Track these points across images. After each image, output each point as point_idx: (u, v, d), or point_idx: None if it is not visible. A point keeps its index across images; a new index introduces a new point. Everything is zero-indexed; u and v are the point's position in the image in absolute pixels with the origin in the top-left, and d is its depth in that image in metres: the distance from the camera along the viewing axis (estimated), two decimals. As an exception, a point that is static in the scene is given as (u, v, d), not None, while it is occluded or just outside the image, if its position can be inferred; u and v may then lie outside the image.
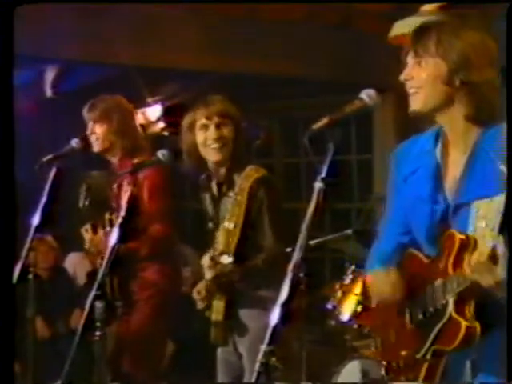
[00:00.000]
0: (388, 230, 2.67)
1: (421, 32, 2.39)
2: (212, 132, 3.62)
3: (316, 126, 2.15)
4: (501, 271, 2.11)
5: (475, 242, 2.26)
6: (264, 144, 6.18)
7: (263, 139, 6.23)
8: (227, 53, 5.87)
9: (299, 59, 6.10)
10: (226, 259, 3.53)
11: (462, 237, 2.29)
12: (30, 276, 3.54)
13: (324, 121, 2.15)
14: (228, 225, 3.56)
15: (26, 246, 3.40)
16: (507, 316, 2.18)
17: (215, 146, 3.61)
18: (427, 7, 3.27)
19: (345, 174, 6.59)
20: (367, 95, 2.22)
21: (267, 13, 5.85)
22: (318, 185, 2.09)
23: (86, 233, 4.18)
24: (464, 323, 2.24)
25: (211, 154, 3.64)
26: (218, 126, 3.63)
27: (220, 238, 3.61)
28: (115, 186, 4.29)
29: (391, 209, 2.65)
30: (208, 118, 3.64)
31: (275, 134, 7.60)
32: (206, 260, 3.64)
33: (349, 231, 4.87)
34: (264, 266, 3.56)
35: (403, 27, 2.78)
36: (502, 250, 2.12)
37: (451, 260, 2.30)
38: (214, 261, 3.55)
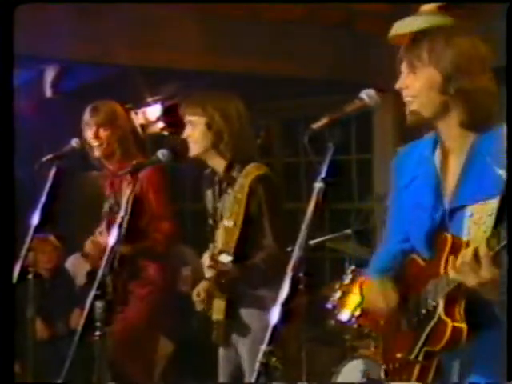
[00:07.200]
0: (390, 238, 2.67)
1: (414, 41, 2.39)
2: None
3: (316, 125, 2.14)
4: (485, 272, 2.12)
5: (467, 244, 2.25)
6: (264, 144, 6.18)
7: (263, 139, 6.23)
8: (227, 53, 5.86)
9: (299, 59, 6.10)
10: (226, 258, 3.52)
11: (454, 239, 2.29)
12: (30, 276, 3.54)
13: (324, 120, 2.14)
14: (227, 223, 3.56)
15: (26, 245, 3.40)
16: (507, 316, 2.17)
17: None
18: (427, 7, 3.27)
19: (345, 174, 6.58)
20: (367, 95, 2.22)
21: (267, 13, 5.85)
22: (317, 185, 2.08)
23: (100, 235, 4.23)
24: (451, 323, 2.24)
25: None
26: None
27: (219, 236, 3.61)
28: (107, 184, 4.36)
29: (392, 217, 2.65)
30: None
31: (275, 134, 7.59)
32: (205, 259, 3.63)
33: (348, 231, 4.87)
34: (264, 264, 3.56)
35: (402, 27, 2.77)
36: (484, 251, 2.12)
37: (443, 262, 2.30)
38: (214, 260, 3.54)
